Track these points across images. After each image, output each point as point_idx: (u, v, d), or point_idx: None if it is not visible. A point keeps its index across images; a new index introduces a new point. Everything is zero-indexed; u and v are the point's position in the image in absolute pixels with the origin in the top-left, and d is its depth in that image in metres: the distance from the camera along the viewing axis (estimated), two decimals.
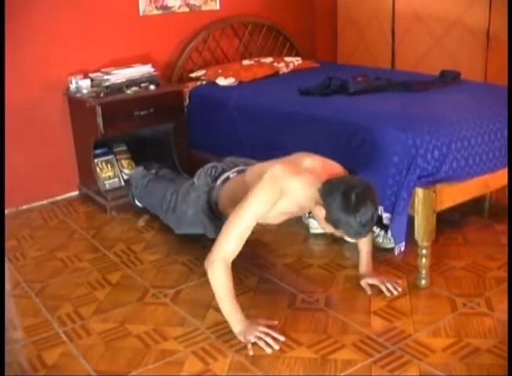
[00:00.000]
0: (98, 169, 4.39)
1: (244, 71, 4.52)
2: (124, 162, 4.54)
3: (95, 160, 4.38)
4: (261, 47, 5.26)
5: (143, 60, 4.51)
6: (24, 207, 4.40)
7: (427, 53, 4.99)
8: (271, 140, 3.77)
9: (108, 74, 4.29)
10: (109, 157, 4.49)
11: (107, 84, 4.20)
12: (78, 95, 4.23)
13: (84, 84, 4.23)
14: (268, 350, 2.65)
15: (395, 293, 3.07)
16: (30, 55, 4.22)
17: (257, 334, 2.70)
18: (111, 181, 4.44)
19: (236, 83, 4.41)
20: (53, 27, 4.28)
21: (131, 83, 4.23)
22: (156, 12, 4.67)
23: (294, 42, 5.42)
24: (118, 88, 4.19)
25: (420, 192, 2.95)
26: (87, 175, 4.46)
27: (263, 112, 3.87)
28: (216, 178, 3.32)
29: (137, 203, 4.13)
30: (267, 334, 2.70)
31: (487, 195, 3.92)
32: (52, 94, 4.36)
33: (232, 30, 5.11)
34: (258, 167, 2.98)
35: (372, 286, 3.12)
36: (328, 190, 2.59)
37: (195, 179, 3.43)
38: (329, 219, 2.62)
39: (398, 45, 5.25)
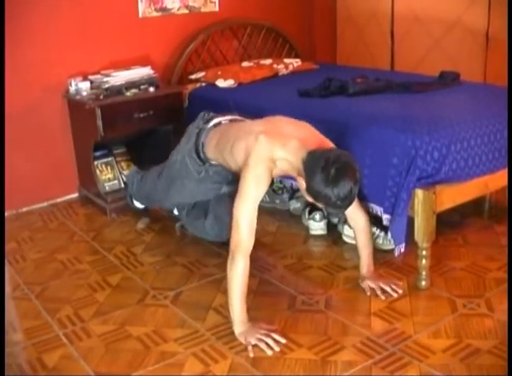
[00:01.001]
0: (98, 171, 4.39)
1: (244, 73, 4.53)
2: (124, 164, 4.54)
3: (95, 163, 4.38)
4: (260, 48, 5.26)
5: (143, 62, 4.51)
6: (24, 209, 4.40)
7: (427, 54, 5.00)
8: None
9: (107, 76, 4.28)
10: (109, 159, 4.49)
11: (107, 86, 4.20)
12: (78, 97, 4.23)
13: (84, 87, 4.23)
14: (269, 352, 2.65)
15: (395, 295, 3.07)
16: (30, 57, 4.22)
17: (259, 336, 2.71)
18: (111, 183, 4.43)
19: (236, 85, 4.41)
20: (53, 29, 4.28)
21: (130, 85, 4.23)
22: (155, 14, 4.68)
23: (294, 44, 5.42)
24: (118, 90, 4.19)
25: (419, 193, 2.95)
26: (87, 177, 4.46)
27: (263, 114, 3.85)
28: (208, 121, 3.27)
29: (135, 204, 4.11)
30: (268, 336, 2.71)
31: (487, 196, 3.93)
32: (51, 96, 4.36)
33: (231, 31, 5.11)
34: (244, 131, 2.99)
35: (372, 289, 3.12)
36: (310, 163, 2.64)
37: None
38: (309, 190, 2.67)
39: (398, 47, 5.26)
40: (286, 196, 4.12)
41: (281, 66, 4.76)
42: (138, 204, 4.11)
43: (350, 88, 3.79)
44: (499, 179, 3.34)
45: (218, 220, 3.37)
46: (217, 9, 4.97)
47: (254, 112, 3.57)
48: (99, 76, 4.34)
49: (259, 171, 2.75)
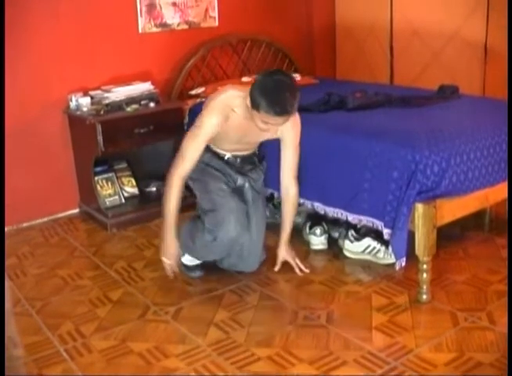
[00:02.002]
0: (98, 187, 4.39)
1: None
2: (125, 180, 4.54)
3: (96, 178, 4.39)
4: (260, 63, 5.28)
5: (143, 78, 4.53)
6: (25, 224, 4.41)
7: (426, 68, 5.02)
8: (270, 157, 3.76)
9: (108, 91, 4.31)
10: (110, 174, 4.49)
11: (107, 101, 4.22)
12: (78, 112, 4.24)
13: (85, 102, 4.25)
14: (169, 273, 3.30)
15: (307, 271, 3.46)
16: (31, 72, 4.25)
17: (166, 260, 3.28)
18: (111, 198, 4.44)
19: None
20: (53, 44, 4.30)
21: (130, 101, 4.25)
22: (155, 29, 4.70)
23: (293, 59, 5.44)
24: (118, 105, 4.20)
25: (420, 207, 2.96)
26: (87, 193, 4.47)
27: None
28: None
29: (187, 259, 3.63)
30: (170, 266, 3.30)
31: (487, 209, 3.93)
32: (52, 112, 4.38)
33: (231, 47, 5.13)
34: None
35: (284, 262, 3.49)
36: (252, 85, 2.97)
37: None
38: (253, 105, 2.93)
39: (397, 61, 5.28)
40: None
41: None
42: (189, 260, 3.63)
43: (349, 103, 3.80)
44: (499, 192, 3.35)
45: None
46: (216, 24, 4.99)
47: None
48: (99, 91, 4.36)
49: (215, 112, 3.10)
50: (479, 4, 4.57)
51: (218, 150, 3.39)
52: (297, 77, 4.94)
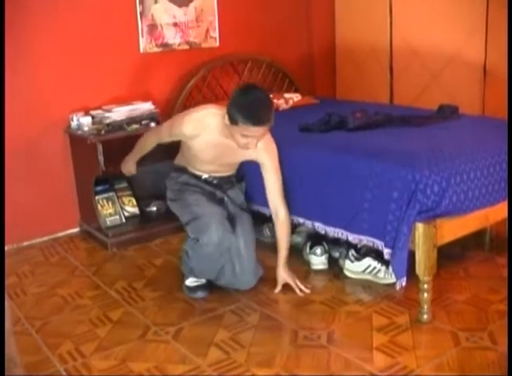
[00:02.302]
0: (99, 206, 4.40)
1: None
2: (125, 199, 4.55)
3: (96, 197, 4.40)
4: (260, 83, 5.28)
5: (144, 97, 4.55)
6: (25, 243, 4.41)
7: (425, 88, 5.04)
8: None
9: (109, 111, 4.33)
10: (110, 193, 4.50)
11: (108, 121, 4.24)
12: (79, 132, 4.26)
13: (86, 122, 4.26)
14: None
15: (307, 291, 3.46)
16: (32, 92, 4.27)
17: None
18: (112, 218, 4.44)
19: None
20: (54, 63, 4.33)
21: (131, 120, 4.27)
22: (156, 49, 4.72)
23: (294, 79, 5.46)
24: (119, 125, 4.22)
25: (420, 227, 2.96)
26: (88, 212, 4.47)
27: None
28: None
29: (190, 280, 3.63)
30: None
31: (487, 228, 3.93)
32: (53, 131, 4.39)
33: (231, 67, 5.15)
34: None
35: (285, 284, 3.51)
36: (229, 102, 3.11)
37: None
38: (232, 120, 3.04)
39: (397, 81, 5.30)
40: None
41: (281, 101, 4.79)
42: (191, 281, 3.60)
43: (350, 123, 3.81)
44: (499, 212, 3.35)
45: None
46: (217, 44, 5.02)
47: None
48: (100, 111, 4.38)
49: (189, 125, 3.27)
50: (478, 26, 4.60)
51: (195, 171, 3.53)
52: (298, 97, 4.96)
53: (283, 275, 3.53)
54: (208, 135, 3.27)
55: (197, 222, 3.36)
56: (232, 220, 3.48)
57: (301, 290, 3.49)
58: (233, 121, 3.05)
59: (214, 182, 3.56)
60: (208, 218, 3.32)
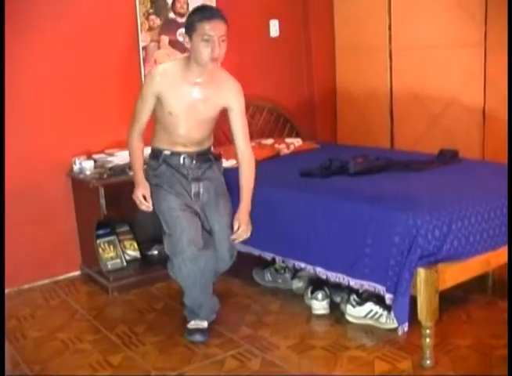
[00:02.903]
0: (100, 250, 4.40)
1: None
2: (127, 243, 4.55)
3: (98, 241, 4.40)
4: (262, 128, 5.34)
5: (146, 142, 4.56)
6: (26, 286, 4.40)
7: (426, 132, 5.07)
8: (272, 224, 3.79)
9: (111, 155, 4.36)
10: (112, 237, 4.50)
11: (110, 165, 4.26)
12: (82, 176, 4.28)
13: (88, 166, 4.29)
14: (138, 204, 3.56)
15: (242, 237, 3.57)
16: (35, 135, 4.32)
17: (137, 195, 3.54)
18: (113, 261, 4.44)
19: (238, 165, 4.44)
20: (57, 107, 4.38)
21: None
22: None
23: (295, 124, 5.51)
24: (121, 169, 4.24)
25: (421, 272, 2.96)
26: (89, 255, 4.47)
27: (264, 195, 3.89)
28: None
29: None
30: (141, 202, 3.54)
31: (490, 272, 3.91)
32: (55, 174, 4.42)
33: None
34: None
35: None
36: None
37: None
38: (190, 27, 3.21)
39: (397, 125, 5.34)
40: (288, 275, 4.11)
41: (282, 146, 4.82)
42: (192, 324, 3.59)
43: (351, 168, 3.84)
44: (501, 256, 3.34)
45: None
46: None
47: (256, 193, 3.62)
48: (102, 155, 4.42)
49: (150, 77, 3.40)
50: (476, 70, 4.65)
51: (172, 148, 3.52)
52: (299, 142, 4.99)
53: (241, 220, 3.56)
54: (174, 80, 3.37)
55: (171, 239, 3.46)
56: (208, 218, 3.57)
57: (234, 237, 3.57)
58: (191, 27, 3.21)
59: (193, 165, 3.53)
60: (179, 234, 3.40)
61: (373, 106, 5.46)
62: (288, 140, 4.98)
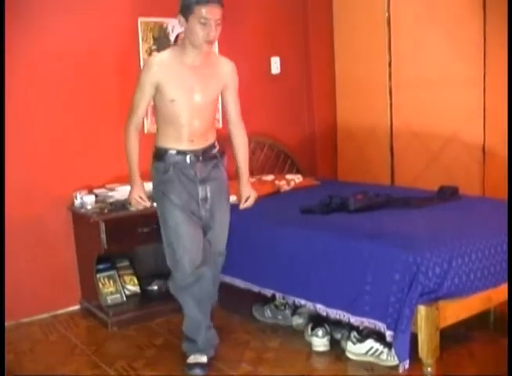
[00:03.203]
0: (100, 284, 4.39)
1: None
2: (127, 278, 4.54)
3: (98, 276, 4.39)
4: (262, 164, 5.37)
5: (147, 177, 4.57)
6: (25, 320, 4.37)
7: (426, 169, 5.09)
8: (272, 260, 3.80)
9: (112, 190, 4.38)
10: (112, 272, 4.49)
11: (111, 200, 4.28)
12: (83, 210, 4.29)
13: (89, 200, 4.30)
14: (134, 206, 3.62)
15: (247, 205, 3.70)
16: (37, 169, 4.34)
17: (134, 197, 3.50)
18: (113, 296, 4.42)
19: (238, 201, 4.44)
20: (59, 142, 4.41)
21: None
22: None
23: (295, 160, 5.54)
24: (122, 204, 4.25)
25: (422, 309, 2.96)
26: (89, 290, 4.46)
27: (264, 231, 3.91)
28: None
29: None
30: (138, 202, 3.52)
31: (491, 308, 3.90)
32: (56, 208, 4.43)
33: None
34: None
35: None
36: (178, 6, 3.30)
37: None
38: (186, 9, 3.23)
39: (397, 162, 5.36)
40: (288, 312, 4.10)
41: (283, 182, 4.84)
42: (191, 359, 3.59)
43: (351, 205, 3.86)
44: (502, 293, 3.35)
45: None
46: (220, 125, 5.09)
47: (256, 230, 3.64)
48: (103, 190, 4.43)
49: (147, 67, 3.39)
50: (476, 107, 4.69)
51: (177, 146, 3.46)
52: (299, 178, 5.01)
53: (248, 190, 3.71)
54: (171, 66, 3.38)
55: (174, 254, 3.49)
56: (208, 224, 3.58)
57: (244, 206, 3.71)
58: (188, 9, 3.23)
59: (199, 164, 3.49)
60: (182, 253, 3.44)
61: (373, 142, 5.50)
62: (288, 176, 5.01)
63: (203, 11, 3.20)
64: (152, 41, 4.75)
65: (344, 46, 5.68)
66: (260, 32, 5.39)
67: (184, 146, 3.45)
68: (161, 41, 4.77)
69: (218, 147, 3.63)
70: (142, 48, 4.71)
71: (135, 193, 3.51)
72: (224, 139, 3.73)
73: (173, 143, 3.46)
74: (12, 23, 4.07)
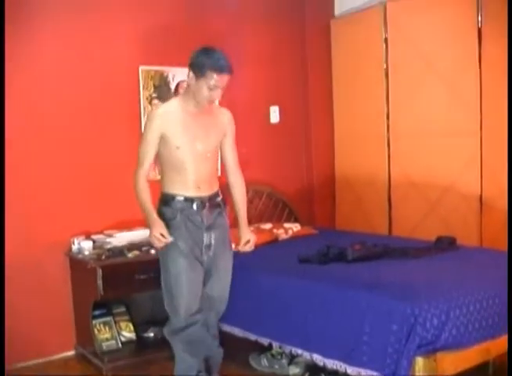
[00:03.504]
0: (95, 330, 4.36)
1: None
2: (123, 324, 4.51)
3: (94, 322, 4.36)
4: (261, 213, 5.38)
5: (145, 224, 4.57)
6: (19, 365, 4.31)
7: (423, 219, 5.10)
8: (269, 309, 3.78)
9: (110, 236, 4.38)
10: (108, 318, 4.47)
11: (109, 246, 4.28)
12: (80, 256, 4.28)
13: (86, 246, 4.30)
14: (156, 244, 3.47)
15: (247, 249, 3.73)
16: (35, 214, 4.34)
17: (155, 234, 3.41)
18: (108, 343, 4.39)
19: (237, 249, 4.43)
20: (58, 187, 4.43)
21: (132, 246, 4.30)
22: (159, 177, 4.77)
23: (293, 209, 5.56)
24: (119, 250, 4.25)
25: (420, 361, 2.94)
26: (84, 336, 4.42)
27: (262, 280, 3.90)
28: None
29: None
30: (159, 240, 3.41)
31: (490, 360, 3.86)
32: (53, 253, 4.42)
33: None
34: None
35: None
36: (191, 58, 3.38)
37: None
38: (198, 69, 3.32)
39: (395, 211, 5.37)
40: (285, 361, 4.07)
41: (281, 230, 4.84)
42: None
43: (349, 255, 3.86)
44: (501, 344, 3.30)
45: None
46: (219, 173, 5.10)
47: (253, 278, 3.63)
48: (101, 236, 4.43)
49: (152, 119, 3.46)
50: (473, 158, 4.73)
51: (184, 193, 3.52)
52: (297, 227, 5.02)
53: (248, 233, 3.75)
54: (175, 116, 3.46)
55: (171, 300, 3.55)
56: (210, 271, 3.62)
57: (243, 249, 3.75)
58: (201, 70, 3.32)
59: (205, 211, 3.54)
60: (180, 301, 3.50)
61: (371, 192, 5.52)
62: (286, 225, 5.01)
63: (215, 78, 3.32)
64: (152, 89, 4.80)
65: (342, 97, 5.75)
66: (259, 81, 5.46)
67: (191, 192, 3.51)
68: (162, 89, 4.82)
69: (221, 196, 3.68)
70: (143, 95, 4.76)
71: (156, 231, 3.42)
72: (223, 188, 3.75)
73: (180, 189, 3.51)
74: (12, 72, 4.13)
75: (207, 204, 3.54)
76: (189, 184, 3.50)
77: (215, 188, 3.64)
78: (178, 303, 3.49)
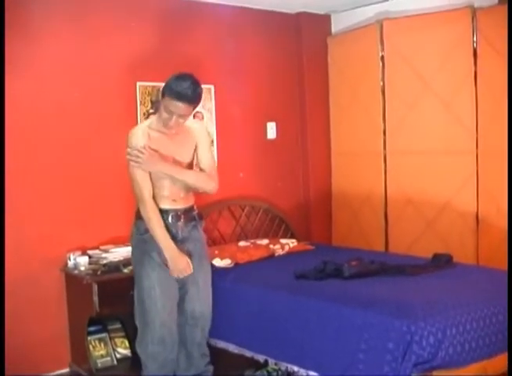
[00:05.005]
0: (91, 347, 4.33)
1: (241, 253, 4.56)
2: (118, 341, 4.49)
3: (89, 338, 4.34)
4: (257, 228, 5.38)
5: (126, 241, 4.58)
6: None
7: (420, 236, 5.10)
8: (265, 326, 3.77)
9: (106, 251, 4.36)
10: (103, 335, 4.45)
11: (105, 262, 4.26)
12: (76, 271, 4.27)
13: (82, 262, 4.28)
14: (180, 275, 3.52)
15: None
16: (30, 230, 4.33)
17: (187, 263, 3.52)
18: (103, 359, 4.36)
19: (232, 265, 4.42)
20: (54, 203, 4.41)
21: (128, 262, 4.27)
22: None
23: (290, 225, 5.55)
24: (115, 266, 4.23)
25: None
26: (79, 353, 4.39)
27: (258, 296, 3.89)
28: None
29: None
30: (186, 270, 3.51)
31: None
32: (49, 269, 4.40)
33: (229, 211, 5.25)
34: None
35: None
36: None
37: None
38: (163, 92, 3.37)
39: (391, 229, 5.37)
40: None
41: (277, 246, 4.83)
42: None
43: (345, 272, 3.85)
44: (497, 364, 3.29)
45: None
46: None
47: (250, 294, 3.61)
48: (97, 251, 4.42)
49: (134, 137, 3.57)
50: (469, 176, 4.74)
51: (161, 205, 3.57)
52: (294, 242, 5.01)
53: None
54: (151, 132, 3.54)
55: (143, 315, 3.60)
56: (185, 285, 3.66)
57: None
58: (165, 93, 3.36)
59: (180, 223, 3.61)
60: (154, 316, 3.53)
61: (367, 209, 5.52)
62: (283, 241, 5.01)
63: (173, 104, 3.36)
64: (150, 105, 4.81)
65: (339, 114, 5.76)
66: (256, 97, 5.48)
67: (166, 205, 3.58)
68: (159, 105, 4.81)
69: (197, 211, 3.75)
70: (140, 111, 4.76)
71: (186, 260, 3.57)
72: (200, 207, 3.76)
73: (156, 202, 3.56)
74: (12, 81, 4.13)
75: (183, 217, 3.62)
76: (164, 197, 3.57)
77: (191, 201, 3.71)
78: (154, 320, 3.54)
